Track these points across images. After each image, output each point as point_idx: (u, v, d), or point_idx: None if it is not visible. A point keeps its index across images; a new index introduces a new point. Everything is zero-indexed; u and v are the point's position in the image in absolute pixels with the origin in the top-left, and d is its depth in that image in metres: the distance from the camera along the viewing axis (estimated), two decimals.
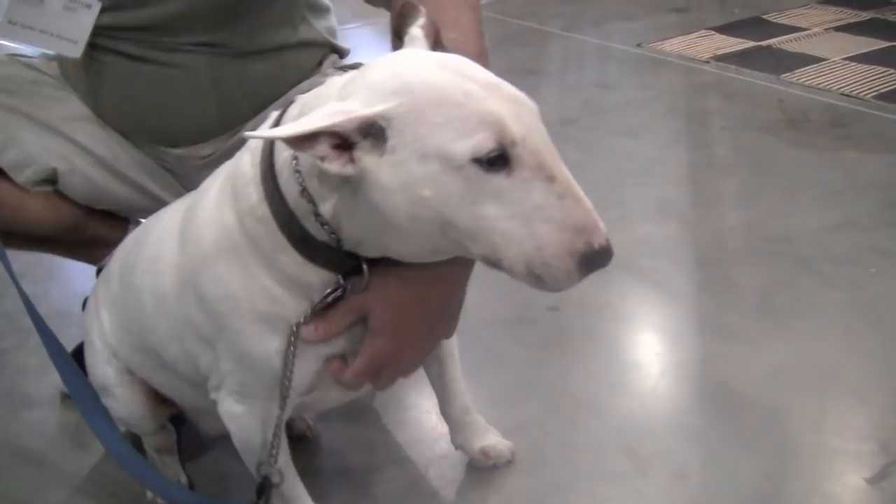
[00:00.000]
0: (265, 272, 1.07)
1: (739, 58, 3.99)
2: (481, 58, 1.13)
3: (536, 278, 0.92)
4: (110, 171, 1.64)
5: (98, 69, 1.56)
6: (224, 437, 1.34)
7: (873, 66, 3.76)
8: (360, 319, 1.10)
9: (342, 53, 1.71)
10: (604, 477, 1.59)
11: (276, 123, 1.05)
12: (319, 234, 1.01)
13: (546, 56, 4.34)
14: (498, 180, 0.88)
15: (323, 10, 1.64)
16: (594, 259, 0.91)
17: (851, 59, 3.89)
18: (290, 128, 0.89)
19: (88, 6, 1.47)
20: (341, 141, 0.90)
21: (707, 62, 3.95)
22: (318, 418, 1.74)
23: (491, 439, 1.60)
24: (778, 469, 1.58)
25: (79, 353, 1.55)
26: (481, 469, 1.62)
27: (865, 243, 2.31)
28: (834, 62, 3.86)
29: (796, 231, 2.40)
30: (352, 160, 0.91)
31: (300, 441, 1.70)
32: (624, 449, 1.65)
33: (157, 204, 1.48)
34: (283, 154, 1.00)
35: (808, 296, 2.10)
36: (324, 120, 0.88)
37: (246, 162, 1.07)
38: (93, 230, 1.70)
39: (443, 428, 1.71)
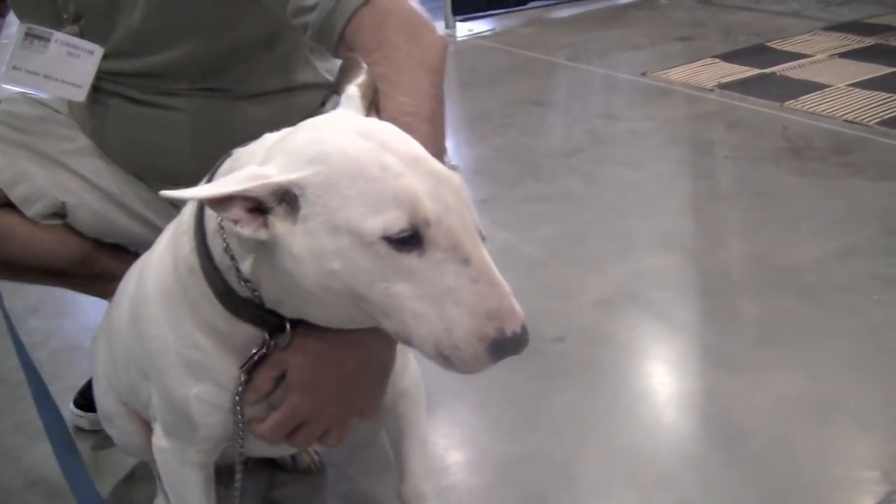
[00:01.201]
0: (191, 320, 1.07)
1: (744, 85, 4.02)
2: (433, 123, 1.12)
3: (445, 359, 0.90)
4: (118, 205, 1.67)
5: (102, 112, 1.59)
6: (222, 470, 1.36)
7: (877, 92, 3.78)
8: (283, 375, 1.09)
9: None
10: None
11: (211, 176, 1.06)
12: (242, 290, 1.00)
13: (552, 87, 4.37)
14: (409, 260, 0.87)
15: (326, 52, 1.67)
16: (505, 346, 0.88)
17: (855, 85, 3.91)
18: (205, 189, 0.88)
19: (91, 52, 1.50)
20: (256, 205, 0.89)
21: (711, 90, 3.98)
22: (323, 451, 1.76)
23: None
24: (781, 498, 1.59)
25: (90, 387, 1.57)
26: (487, 497, 1.64)
27: (867, 272, 2.32)
28: (838, 88, 3.88)
29: (799, 260, 2.41)
30: (265, 225, 0.90)
31: (305, 474, 1.72)
32: (628, 479, 1.66)
33: None
34: (210, 210, 1.00)
35: (810, 325, 2.12)
36: (237, 184, 0.87)
37: (187, 211, 1.07)
38: (102, 264, 1.73)
39: (449, 459, 1.74)
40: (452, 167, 1.47)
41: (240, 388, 1.08)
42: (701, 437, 1.78)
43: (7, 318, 1.39)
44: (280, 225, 0.89)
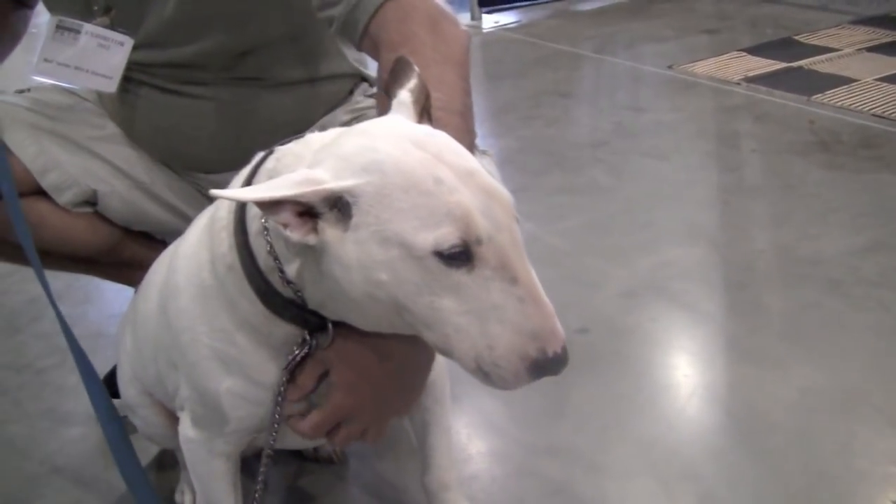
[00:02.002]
0: (228, 315, 1.07)
1: (770, 79, 3.99)
2: (464, 116, 1.13)
3: (484, 375, 0.90)
4: (147, 193, 1.68)
5: (132, 101, 1.60)
6: (248, 461, 1.37)
7: None
8: (324, 374, 1.09)
9: (372, 82, 1.73)
10: (631, 499, 1.61)
11: (252, 173, 1.04)
12: (285, 291, 1.00)
13: (578, 79, 4.36)
14: (458, 275, 0.87)
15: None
16: (545, 366, 0.89)
17: (883, 79, 3.87)
18: (256, 192, 0.87)
19: (121, 44, 1.51)
20: (306, 209, 0.89)
21: (738, 84, 3.96)
22: None
23: None
24: (805, 491, 1.58)
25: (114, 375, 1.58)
26: (509, 486, 1.65)
27: (895, 266, 2.30)
28: (866, 83, 3.84)
29: (826, 254, 2.40)
30: (315, 230, 0.89)
31: (328, 463, 1.72)
32: (652, 471, 1.66)
33: None
34: (254, 209, 0.99)
35: (836, 318, 2.10)
36: (289, 189, 0.86)
37: (223, 206, 1.07)
38: (130, 252, 1.75)
39: (472, 448, 1.74)
40: (482, 153, 1.47)
41: (282, 388, 1.09)
42: (725, 430, 1.77)
43: (53, 304, 1.40)
44: (330, 231, 0.89)
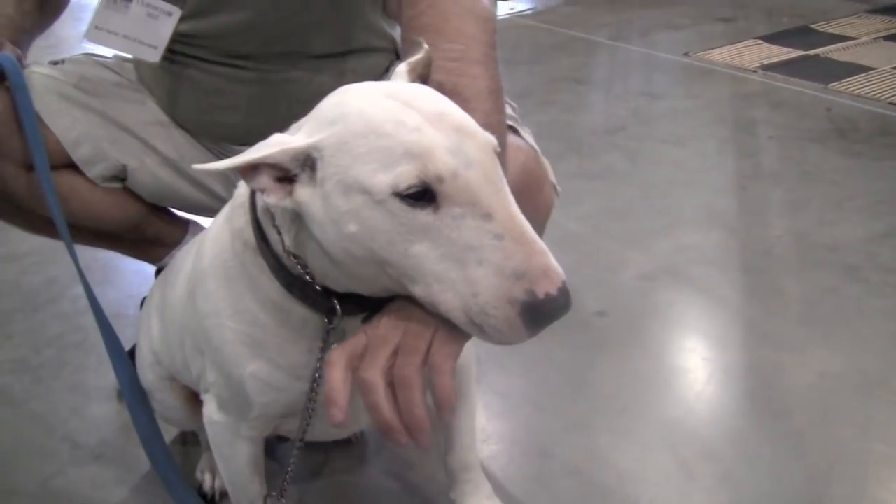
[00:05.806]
0: (251, 295, 1.04)
1: (787, 67, 3.99)
2: (486, 65, 1.09)
3: (478, 328, 0.84)
4: (177, 170, 1.69)
5: (175, 71, 1.61)
6: (270, 442, 1.36)
7: None
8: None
9: None
10: (650, 479, 1.61)
11: None
12: (290, 264, 0.97)
13: (593, 65, 4.35)
14: (424, 216, 0.82)
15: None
16: (538, 310, 0.81)
17: None
18: (230, 160, 0.85)
19: (169, 14, 1.53)
20: (284, 173, 0.87)
21: (754, 71, 3.96)
22: None
23: None
24: (824, 474, 1.59)
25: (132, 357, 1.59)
26: (528, 466, 1.65)
27: None
28: (882, 71, 3.84)
29: (843, 240, 2.40)
30: (290, 193, 0.87)
31: (346, 445, 1.73)
32: (670, 452, 1.67)
33: (221, 204, 1.50)
34: None
35: (854, 304, 2.11)
36: (259, 151, 0.85)
37: (243, 183, 1.05)
38: (155, 229, 1.76)
39: (490, 428, 1.74)
40: (522, 126, 1.43)
41: (317, 375, 1.05)
42: (744, 412, 1.78)
43: (82, 276, 1.41)
44: (301, 191, 0.87)
